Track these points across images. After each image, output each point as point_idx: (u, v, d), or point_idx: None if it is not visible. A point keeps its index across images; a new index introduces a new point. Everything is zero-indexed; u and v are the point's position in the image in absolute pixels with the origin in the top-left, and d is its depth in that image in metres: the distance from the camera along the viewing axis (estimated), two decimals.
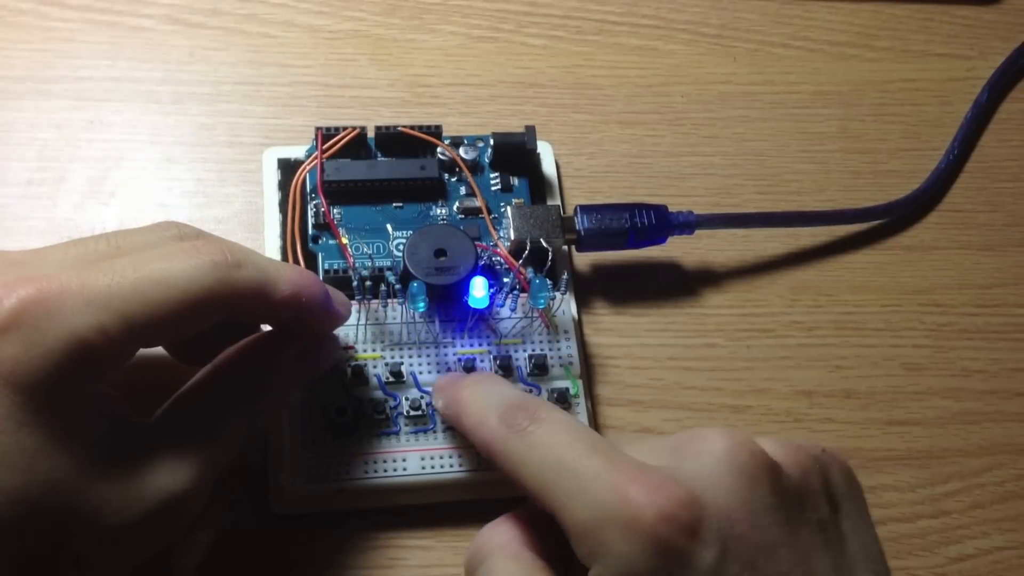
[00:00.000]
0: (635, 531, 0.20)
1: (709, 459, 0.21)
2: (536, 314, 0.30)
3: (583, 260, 0.33)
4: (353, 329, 0.29)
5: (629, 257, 0.33)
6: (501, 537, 0.23)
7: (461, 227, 0.30)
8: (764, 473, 0.21)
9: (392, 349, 0.29)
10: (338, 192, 0.31)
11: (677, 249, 0.34)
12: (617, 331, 0.32)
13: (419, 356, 0.29)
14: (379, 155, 0.33)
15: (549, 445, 0.22)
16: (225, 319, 0.23)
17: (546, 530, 0.23)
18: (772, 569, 0.21)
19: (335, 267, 0.30)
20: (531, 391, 0.29)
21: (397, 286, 0.28)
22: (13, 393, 0.20)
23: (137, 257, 0.22)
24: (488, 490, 0.28)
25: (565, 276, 0.30)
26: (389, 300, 0.29)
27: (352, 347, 0.29)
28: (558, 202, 0.34)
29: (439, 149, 0.33)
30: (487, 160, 0.33)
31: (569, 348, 0.30)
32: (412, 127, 0.32)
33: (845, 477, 0.23)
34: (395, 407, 0.28)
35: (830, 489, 0.23)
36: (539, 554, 0.22)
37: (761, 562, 0.20)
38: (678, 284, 0.34)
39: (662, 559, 0.20)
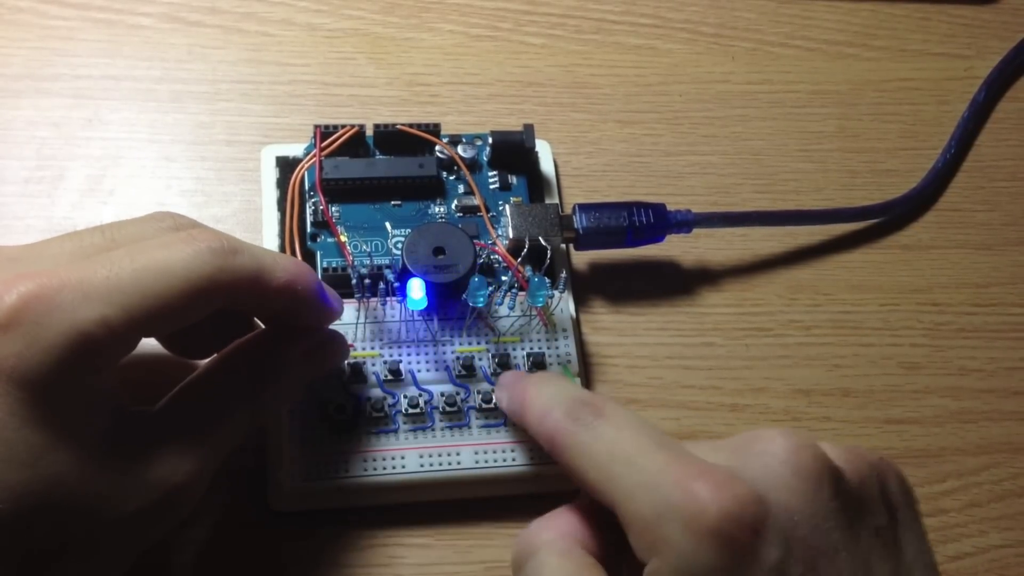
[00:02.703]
0: (699, 527, 0.20)
1: (772, 460, 0.21)
2: (534, 312, 0.30)
3: (581, 258, 0.33)
4: (352, 327, 0.29)
5: (627, 256, 0.34)
6: (551, 532, 0.23)
7: (459, 225, 0.30)
8: (826, 477, 0.21)
9: (391, 347, 0.29)
10: (337, 190, 0.31)
11: (675, 248, 0.34)
12: (616, 330, 0.33)
13: (418, 354, 0.29)
14: (378, 153, 0.33)
15: (614, 439, 0.22)
16: (222, 307, 0.23)
17: (596, 527, 0.23)
18: (832, 572, 0.20)
19: (334, 265, 0.30)
20: None
21: (396, 284, 0.28)
22: (16, 389, 0.20)
23: (134, 248, 0.22)
24: (487, 488, 0.28)
25: (563, 274, 0.30)
26: (388, 298, 0.29)
27: (351, 345, 0.29)
28: (556, 201, 0.34)
29: (437, 147, 0.33)
30: (485, 158, 0.33)
31: (567, 346, 0.30)
32: (411, 125, 0.32)
33: (901, 486, 0.23)
34: (393, 405, 0.28)
35: (887, 497, 0.23)
36: (589, 551, 0.22)
37: (822, 565, 0.20)
38: (676, 283, 0.34)
39: (725, 556, 0.20)
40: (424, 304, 0.28)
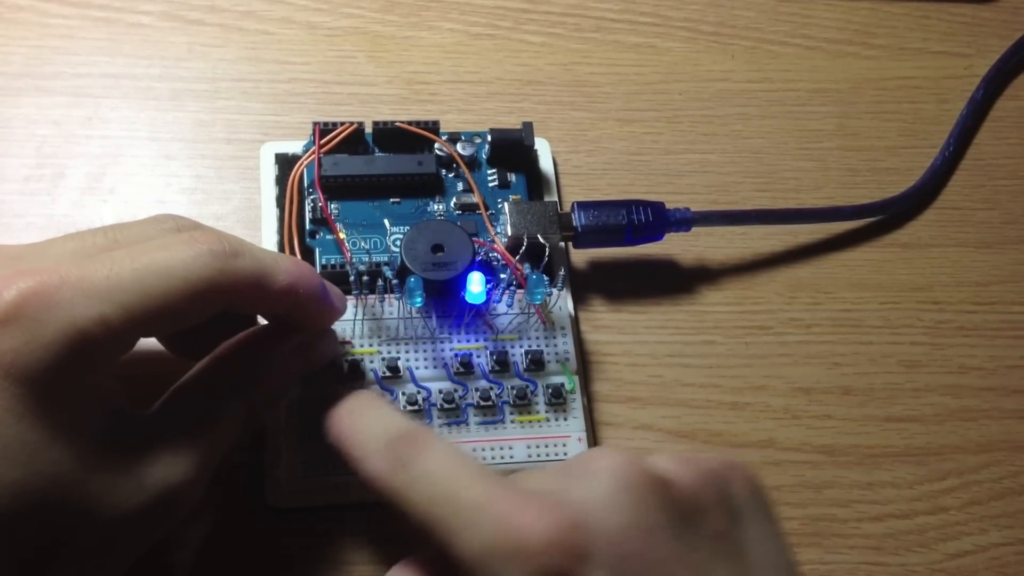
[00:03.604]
0: (524, 560, 0.19)
1: (594, 481, 0.21)
2: (533, 310, 0.30)
3: (580, 257, 0.33)
4: (350, 324, 0.29)
5: (626, 254, 0.33)
6: None
7: (458, 223, 0.30)
8: (651, 490, 0.21)
9: (389, 344, 0.29)
10: (335, 187, 0.31)
11: (675, 246, 0.34)
12: (615, 328, 0.32)
13: (416, 351, 0.29)
14: (377, 151, 0.33)
15: (435, 478, 0.21)
16: (222, 310, 0.23)
17: (444, 571, 0.22)
18: None
19: (332, 262, 0.30)
20: (528, 387, 0.29)
21: (394, 281, 0.28)
22: (14, 386, 0.20)
23: (135, 248, 0.22)
24: None
25: (562, 272, 0.30)
26: (386, 295, 0.29)
27: (349, 342, 0.29)
28: (555, 199, 0.34)
29: (436, 145, 0.33)
30: (484, 156, 0.33)
31: (565, 344, 0.30)
32: (410, 123, 0.32)
33: (747, 487, 0.23)
34: (392, 402, 0.28)
35: (729, 501, 0.22)
36: None
37: None
38: (676, 281, 0.34)
39: None
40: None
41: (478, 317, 0.29)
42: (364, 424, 0.24)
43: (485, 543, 0.20)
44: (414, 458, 0.22)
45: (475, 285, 0.28)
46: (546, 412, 0.29)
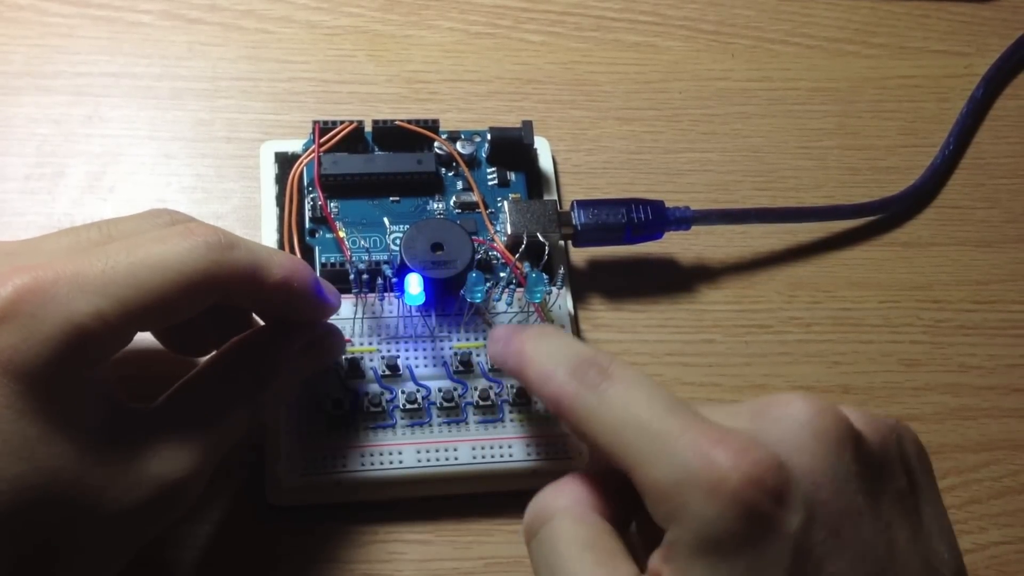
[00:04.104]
0: (720, 494, 0.19)
1: (792, 424, 0.21)
2: (532, 308, 0.30)
3: (579, 255, 0.33)
4: (350, 322, 0.29)
5: (626, 253, 0.33)
6: (565, 499, 0.22)
7: (458, 221, 0.30)
8: (848, 440, 0.21)
9: (388, 342, 0.29)
10: (335, 186, 0.31)
11: (674, 245, 0.34)
12: (615, 327, 0.32)
13: (415, 349, 0.29)
14: (376, 149, 0.33)
15: (625, 403, 0.21)
16: (218, 302, 0.23)
17: (608, 493, 0.22)
18: (855, 536, 0.20)
19: (332, 261, 0.30)
20: None
21: (394, 280, 0.28)
22: (12, 382, 0.20)
23: (130, 242, 0.22)
24: (485, 484, 0.28)
25: (561, 271, 0.30)
26: (386, 294, 0.29)
27: (349, 340, 0.29)
28: (555, 197, 0.34)
29: (436, 144, 0.33)
30: (484, 155, 0.33)
31: None
32: (409, 121, 0.32)
33: (918, 451, 0.23)
34: (391, 400, 0.28)
35: (906, 461, 0.22)
36: (603, 516, 0.22)
37: (845, 529, 0.20)
38: (675, 280, 0.34)
39: (747, 523, 0.19)
40: (422, 300, 0.28)
41: (478, 316, 0.29)
42: (550, 347, 0.24)
43: (680, 472, 0.20)
44: (604, 381, 0.22)
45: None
46: (545, 411, 0.29)
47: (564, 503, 0.22)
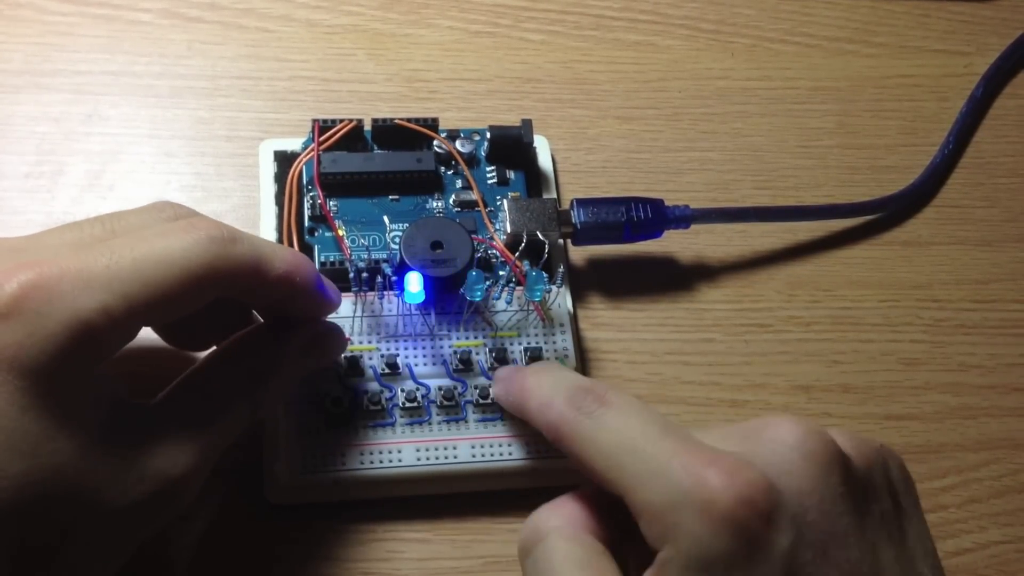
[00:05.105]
0: (711, 514, 0.20)
1: (781, 447, 0.21)
2: (532, 307, 0.30)
3: (579, 254, 0.33)
4: (349, 321, 0.29)
5: (625, 251, 0.33)
6: (559, 519, 0.23)
7: (457, 220, 0.30)
8: (836, 463, 0.21)
9: (388, 341, 0.29)
10: (334, 184, 0.31)
11: (674, 244, 0.34)
12: (615, 325, 0.32)
13: (415, 348, 0.29)
14: (376, 148, 0.33)
15: (620, 427, 0.22)
16: (220, 295, 0.23)
17: (603, 514, 0.23)
18: (842, 557, 0.21)
19: (331, 259, 0.30)
20: None
21: (393, 278, 0.28)
22: (16, 378, 0.20)
23: (134, 237, 0.22)
24: (484, 482, 0.28)
25: (561, 269, 0.30)
26: (385, 292, 0.29)
27: (348, 338, 0.28)
28: (554, 196, 0.34)
29: (435, 142, 0.33)
30: (483, 153, 0.33)
31: (564, 341, 0.30)
32: (409, 120, 0.32)
33: (902, 473, 0.23)
34: (391, 399, 0.28)
35: (892, 484, 0.23)
36: (597, 537, 0.22)
37: (832, 550, 0.21)
38: (675, 279, 0.34)
39: (738, 543, 0.20)
40: (422, 298, 0.28)
41: (477, 314, 0.29)
42: (550, 378, 0.25)
43: (672, 493, 0.20)
44: (600, 407, 0.23)
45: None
46: None
47: (558, 523, 0.22)
